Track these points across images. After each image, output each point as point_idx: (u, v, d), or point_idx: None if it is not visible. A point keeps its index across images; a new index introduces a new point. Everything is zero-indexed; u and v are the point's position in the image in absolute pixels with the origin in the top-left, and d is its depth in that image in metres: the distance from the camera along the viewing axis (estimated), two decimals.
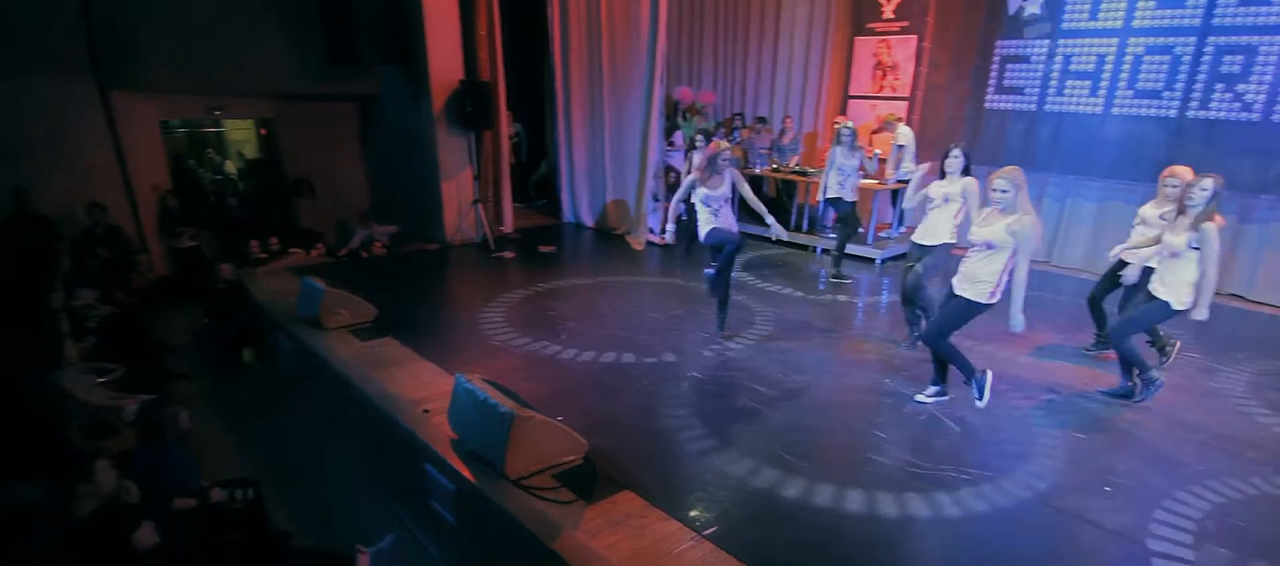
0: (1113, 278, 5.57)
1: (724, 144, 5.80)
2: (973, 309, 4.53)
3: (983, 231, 4.38)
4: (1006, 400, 4.99)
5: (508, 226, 9.68)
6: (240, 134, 11.83)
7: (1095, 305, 5.79)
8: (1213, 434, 4.60)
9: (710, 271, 6.02)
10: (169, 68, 8.48)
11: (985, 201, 4.52)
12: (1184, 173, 4.94)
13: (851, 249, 8.65)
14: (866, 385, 5.26)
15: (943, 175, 5.73)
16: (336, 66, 8.94)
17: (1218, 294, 4.93)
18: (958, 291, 4.55)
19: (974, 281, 4.46)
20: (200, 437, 5.09)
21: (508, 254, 8.64)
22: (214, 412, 5.80)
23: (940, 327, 4.73)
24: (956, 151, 5.56)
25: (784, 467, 4.09)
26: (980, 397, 4.62)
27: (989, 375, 4.65)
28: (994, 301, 4.46)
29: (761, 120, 10.81)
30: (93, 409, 4.85)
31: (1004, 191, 4.25)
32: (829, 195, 7.94)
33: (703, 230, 5.86)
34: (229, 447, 5.31)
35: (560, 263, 8.51)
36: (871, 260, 8.64)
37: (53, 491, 3.78)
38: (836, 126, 8.16)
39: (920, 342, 5.61)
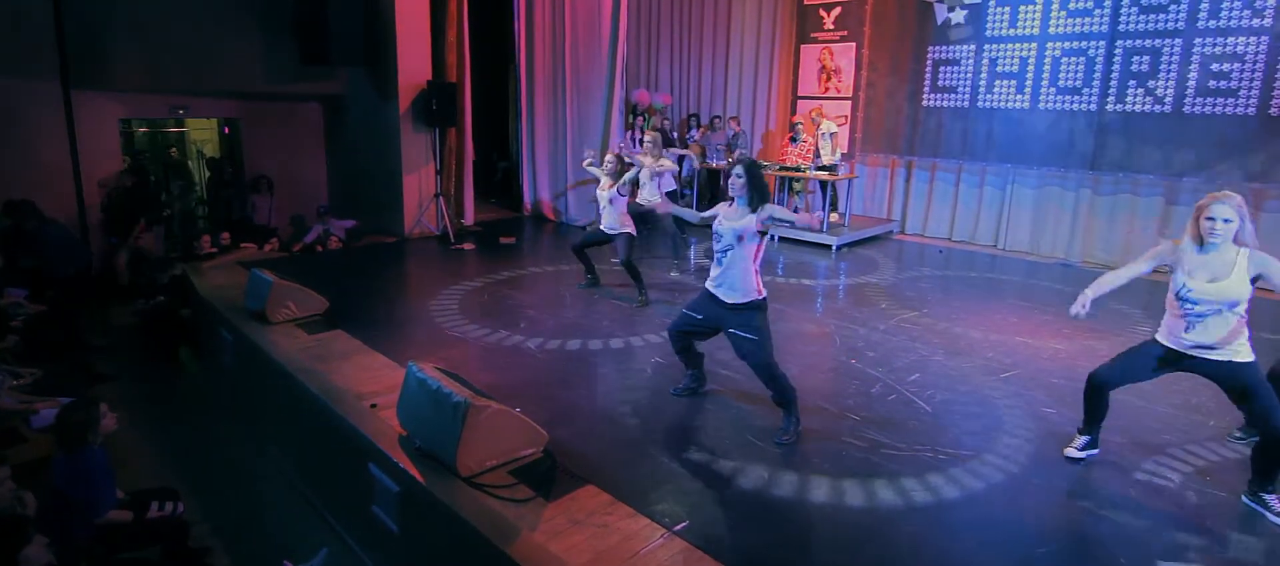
0: None
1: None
2: None
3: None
4: (968, 376, 4.47)
5: (469, 219, 8.89)
6: (202, 133, 10.75)
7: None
8: (1177, 403, 4.14)
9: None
10: (135, 68, 7.55)
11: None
12: None
13: (810, 236, 8.13)
14: (833, 366, 4.68)
15: None
16: (306, 67, 8.15)
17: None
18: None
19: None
20: (119, 443, 4.23)
21: (467, 245, 7.85)
22: (139, 415, 4.90)
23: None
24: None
25: (756, 455, 3.47)
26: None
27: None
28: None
29: (717, 118, 10.34)
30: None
31: (1227, 221, 2.84)
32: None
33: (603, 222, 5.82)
34: (151, 453, 4.46)
35: (521, 253, 7.77)
36: (827, 246, 8.13)
37: None
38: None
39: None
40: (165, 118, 9.52)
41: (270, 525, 3.95)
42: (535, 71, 9.31)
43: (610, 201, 5.75)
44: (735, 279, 3.54)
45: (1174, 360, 3.08)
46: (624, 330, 5.20)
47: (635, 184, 6.14)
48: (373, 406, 3.86)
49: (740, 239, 3.50)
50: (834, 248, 8.07)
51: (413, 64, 8.05)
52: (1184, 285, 2.92)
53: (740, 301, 3.55)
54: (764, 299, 3.60)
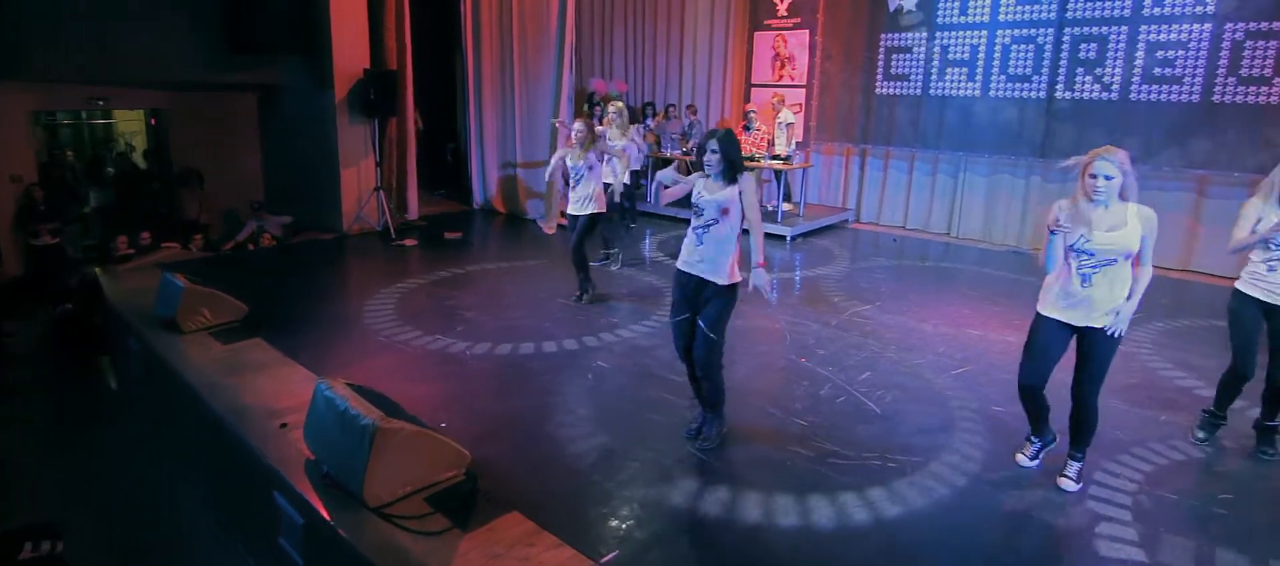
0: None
1: (578, 124, 5.42)
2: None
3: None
4: (921, 373, 4.27)
5: (412, 213, 8.41)
6: (132, 124, 10.04)
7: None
8: (1130, 398, 3.99)
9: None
10: (48, 55, 6.87)
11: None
12: None
13: (764, 226, 7.84)
14: (782, 366, 4.43)
15: None
16: (236, 56, 7.57)
17: None
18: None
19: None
20: (13, 467, 3.77)
21: (409, 241, 7.40)
22: (41, 434, 4.43)
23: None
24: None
25: (697, 470, 3.19)
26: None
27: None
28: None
29: (672, 107, 10.02)
30: None
31: (1109, 178, 2.74)
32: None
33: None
34: (50, 477, 4.00)
35: (467, 249, 7.35)
36: (782, 237, 7.88)
37: None
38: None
39: None
40: (85, 109, 8.85)
41: (176, 556, 3.55)
42: (483, 58, 8.83)
43: (590, 169, 5.35)
44: (718, 256, 3.20)
45: (1069, 330, 2.96)
46: (567, 331, 4.87)
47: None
48: (283, 426, 3.48)
49: (725, 212, 3.18)
50: (788, 238, 7.85)
51: (349, 51, 7.55)
52: (1082, 236, 2.81)
53: (716, 281, 3.21)
54: (736, 285, 3.24)
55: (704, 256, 3.23)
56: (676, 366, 4.25)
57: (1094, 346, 2.91)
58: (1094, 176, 2.75)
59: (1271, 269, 3.18)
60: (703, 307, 3.25)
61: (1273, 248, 3.16)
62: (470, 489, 2.98)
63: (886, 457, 3.32)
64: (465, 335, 4.78)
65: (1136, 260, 2.84)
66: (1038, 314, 3.02)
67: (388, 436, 2.82)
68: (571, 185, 5.50)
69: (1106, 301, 2.84)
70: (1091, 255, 2.81)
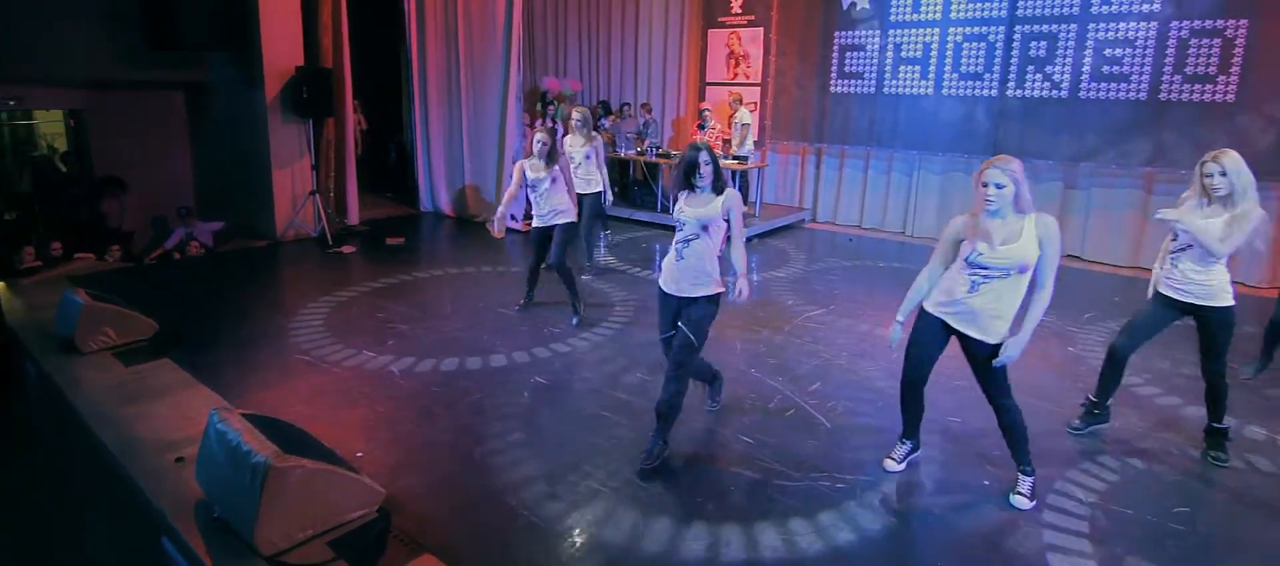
0: None
1: (540, 134, 4.96)
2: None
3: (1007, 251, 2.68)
4: (872, 382, 4.09)
5: (353, 218, 7.98)
6: (55, 125, 9.36)
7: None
8: (1080, 403, 3.86)
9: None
10: None
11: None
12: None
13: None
14: (732, 377, 4.19)
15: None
16: (158, 52, 7.05)
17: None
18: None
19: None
20: None
21: (347, 248, 6.98)
22: None
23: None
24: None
25: (635, 500, 2.94)
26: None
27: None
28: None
29: (627, 105, 9.76)
30: None
31: (1000, 186, 2.62)
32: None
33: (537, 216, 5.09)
34: None
35: (409, 256, 6.96)
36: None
37: None
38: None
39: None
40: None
41: None
42: (428, 55, 8.44)
43: (552, 181, 4.92)
44: (698, 271, 3.15)
45: (947, 330, 2.90)
46: (506, 345, 4.58)
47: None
48: (179, 460, 3.13)
49: (706, 228, 3.12)
50: (744, 240, 7.65)
51: (280, 48, 7.09)
52: (975, 250, 2.73)
53: (699, 294, 3.16)
54: (720, 295, 3.19)
55: (684, 273, 3.15)
56: (620, 382, 4.04)
57: (983, 364, 2.83)
58: (985, 185, 2.65)
59: (1175, 264, 3.14)
60: (685, 317, 3.17)
61: (1175, 243, 3.14)
62: (381, 529, 2.68)
63: (835, 477, 3.13)
64: (396, 350, 4.45)
65: (1034, 280, 2.71)
66: (921, 308, 2.95)
67: (282, 476, 2.51)
68: (535, 200, 5.02)
69: (988, 312, 2.74)
70: (985, 268, 2.71)
